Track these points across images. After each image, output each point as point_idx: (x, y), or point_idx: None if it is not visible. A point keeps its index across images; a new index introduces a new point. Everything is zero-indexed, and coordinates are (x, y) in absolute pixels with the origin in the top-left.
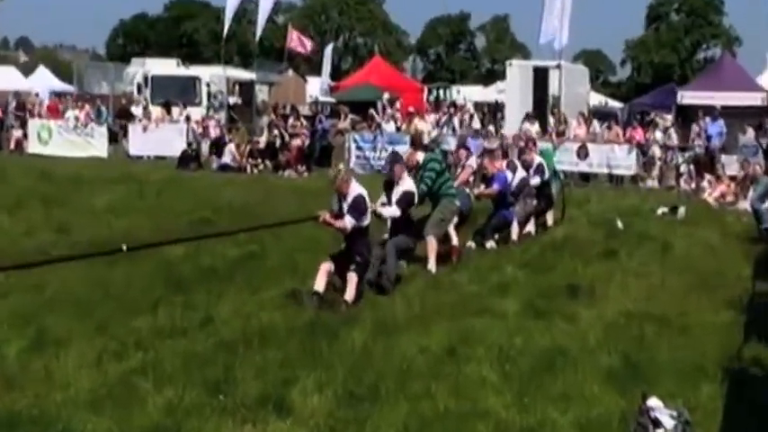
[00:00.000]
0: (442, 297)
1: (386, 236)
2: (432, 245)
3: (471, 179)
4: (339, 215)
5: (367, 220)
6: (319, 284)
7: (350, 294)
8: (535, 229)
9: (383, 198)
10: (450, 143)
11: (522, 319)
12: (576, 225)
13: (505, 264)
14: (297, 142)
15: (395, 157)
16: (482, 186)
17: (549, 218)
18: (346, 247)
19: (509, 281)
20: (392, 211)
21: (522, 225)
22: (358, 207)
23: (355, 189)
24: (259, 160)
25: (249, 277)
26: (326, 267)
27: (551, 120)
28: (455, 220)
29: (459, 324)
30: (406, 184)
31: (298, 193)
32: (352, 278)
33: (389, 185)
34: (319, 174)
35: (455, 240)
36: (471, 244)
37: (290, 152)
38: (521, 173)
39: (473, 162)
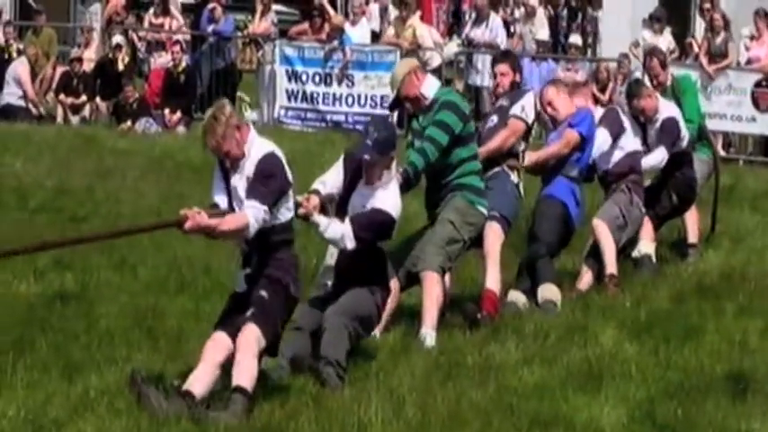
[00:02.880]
0: (461, 393)
1: (326, 281)
2: (431, 288)
3: (521, 149)
4: (228, 211)
5: (287, 212)
6: (199, 382)
7: (243, 372)
8: (656, 245)
9: (327, 178)
10: (485, 75)
11: None
12: (748, 247)
13: (598, 324)
14: (163, 61)
15: (381, 133)
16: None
17: (691, 227)
18: (250, 277)
19: (606, 360)
20: (339, 233)
21: (625, 241)
22: (267, 179)
23: (259, 146)
24: (83, 98)
25: (56, 345)
26: (216, 354)
27: (698, 25)
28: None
29: None
30: (386, 194)
31: (167, 169)
32: (249, 335)
33: (353, 170)
34: None
35: (494, 281)
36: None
37: (148, 82)
38: (630, 140)
39: (527, 106)
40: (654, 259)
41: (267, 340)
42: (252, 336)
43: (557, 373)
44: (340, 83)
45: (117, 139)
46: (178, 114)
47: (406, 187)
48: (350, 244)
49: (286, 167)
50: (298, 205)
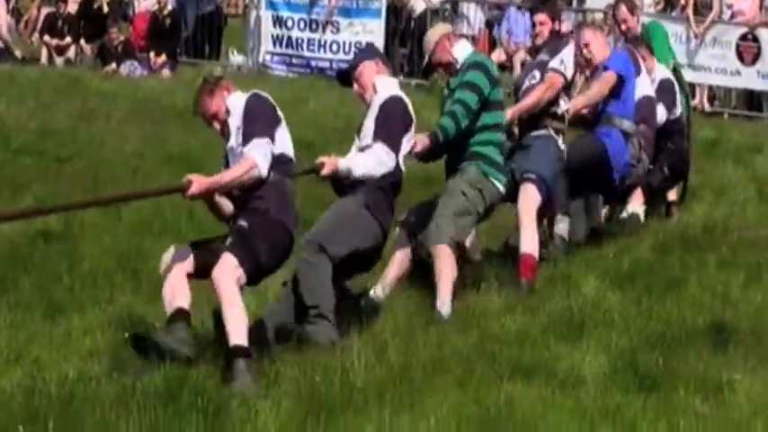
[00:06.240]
0: (443, 339)
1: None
2: (443, 266)
3: (564, 110)
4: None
5: (281, 146)
6: (179, 296)
7: (233, 326)
8: (645, 203)
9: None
10: (471, 25)
11: (614, 394)
12: (731, 200)
13: (581, 274)
14: (148, 4)
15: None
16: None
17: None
18: (235, 218)
19: (588, 309)
20: (372, 158)
21: (620, 197)
22: (257, 114)
23: (241, 96)
24: (68, 39)
25: (39, 285)
26: (180, 263)
27: None
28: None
29: (484, 394)
30: (384, 93)
31: (151, 113)
32: (226, 268)
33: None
34: (196, 71)
35: (530, 244)
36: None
37: (133, 25)
38: (642, 84)
39: (566, 59)
40: (642, 219)
41: (247, 270)
42: (229, 268)
43: (539, 321)
44: (325, 29)
45: (101, 81)
46: (163, 58)
47: (435, 152)
48: (390, 161)
49: (272, 101)
50: (321, 166)
